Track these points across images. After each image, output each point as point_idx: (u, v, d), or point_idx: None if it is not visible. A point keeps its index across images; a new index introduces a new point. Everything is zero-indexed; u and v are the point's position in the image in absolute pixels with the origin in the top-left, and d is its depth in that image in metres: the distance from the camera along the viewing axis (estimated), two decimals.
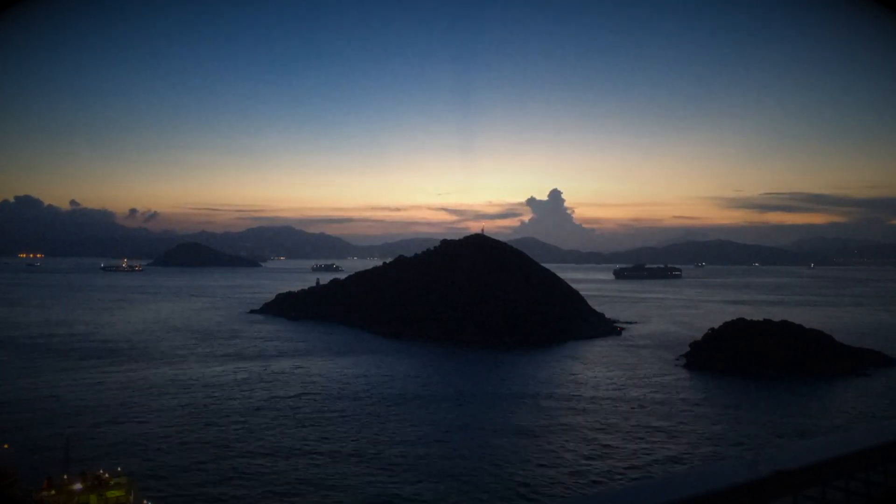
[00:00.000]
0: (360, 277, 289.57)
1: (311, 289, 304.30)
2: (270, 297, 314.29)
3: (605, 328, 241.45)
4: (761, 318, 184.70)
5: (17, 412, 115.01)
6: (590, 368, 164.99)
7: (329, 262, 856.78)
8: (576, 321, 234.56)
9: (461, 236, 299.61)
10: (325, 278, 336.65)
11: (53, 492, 69.90)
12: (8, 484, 72.66)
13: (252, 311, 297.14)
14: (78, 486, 70.53)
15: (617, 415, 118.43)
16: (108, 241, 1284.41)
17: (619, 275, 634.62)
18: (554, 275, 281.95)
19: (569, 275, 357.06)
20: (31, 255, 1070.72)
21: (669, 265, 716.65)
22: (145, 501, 73.01)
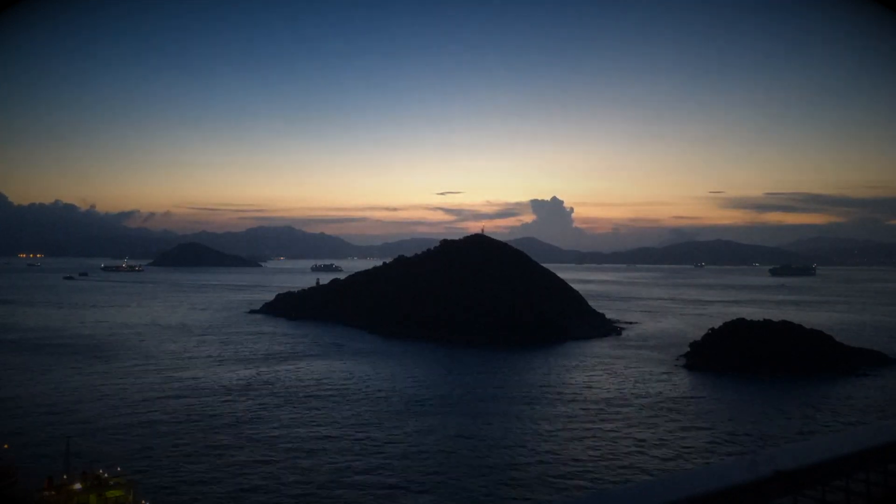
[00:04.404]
0: (360, 277, 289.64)
1: (311, 289, 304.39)
2: (270, 297, 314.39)
3: (605, 328, 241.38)
4: (761, 318, 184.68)
5: (17, 412, 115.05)
6: (589, 368, 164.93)
7: (329, 262, 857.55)
8: (576, 321, 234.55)
9: (460, 236, 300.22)
10: (325, 278, 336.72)
11: (53, 491, 69.85)
12: (8, 484, 72.66)
13: (252, 312, 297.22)
14: (78, 486, 70.45)
15: (616, 415, 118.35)
16: (109, 242, 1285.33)
17: (774, 273, 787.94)
18: (554, 275, 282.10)
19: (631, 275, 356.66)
20: (32, 256, 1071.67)
21: (808, 265, 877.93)
22: (144, 502, 72.97)
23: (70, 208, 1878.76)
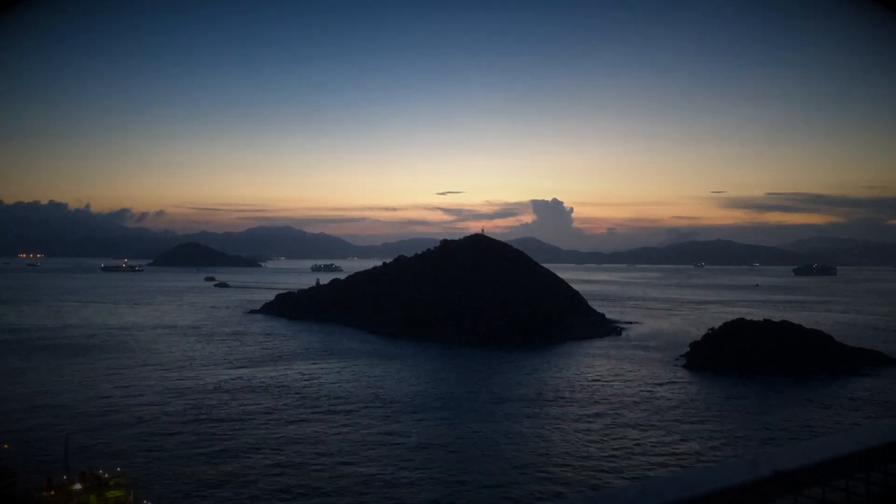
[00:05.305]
0: (360, 277, 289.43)
1: (311, 289, 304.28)
2: (270, 297, 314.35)
3: (605, 328, 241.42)
4: (761, 319, 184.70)
5: (16, 412, 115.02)
6: (589, 369, 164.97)
7: (329, 262, 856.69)
8: (576, 321, 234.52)
9: (459, 236, 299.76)
10: (325, 278, 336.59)
11: (53, 492, 69.83)
12: (8, 484, 72.64)
13: (252, 312, 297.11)
14: (78, 486, 70.45)
15: (616, 415, 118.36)
16: (109, 242, 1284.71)
17: (798, 272, 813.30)
18: (554, 275, 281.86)
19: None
20: (32, 256, 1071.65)
21: (830, 265, 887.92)
22: (145, 501, 72.97)
23: (62, 207, 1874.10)
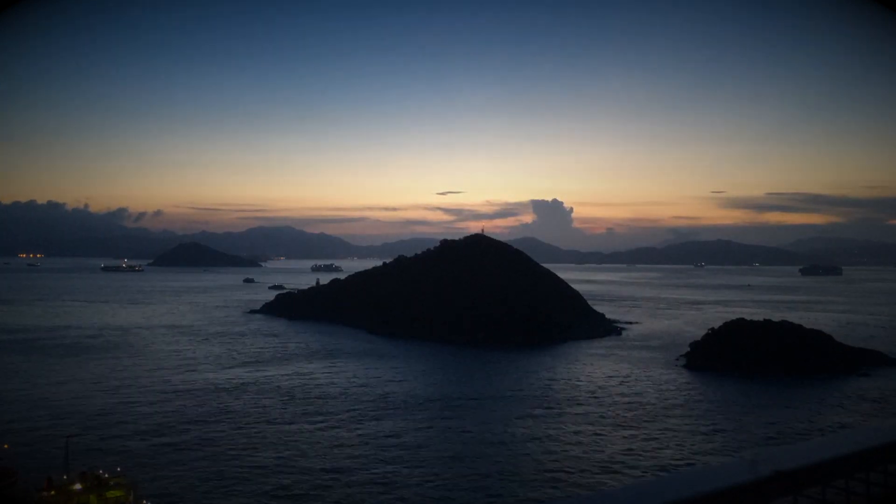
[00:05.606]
0: (360, 277, 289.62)
1: (311, 289, 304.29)
2: (270, 297, 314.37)
3: (606, 328, 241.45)
4: (761, 319, 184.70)
5: (17, 412, 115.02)
6: (589, 369, 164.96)
7: (329, 262, 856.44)
8: (576, 321, 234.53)
9: (459, 236, 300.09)
10: (325, 278, 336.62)
11: (53, 492, 69.85)
12: (8, 484, 72.64)
13: (252, 312, 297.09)
14: (78, 486, 70.49)
15: (616, 415, 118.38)
16: (109, 242, 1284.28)
17: (804, 272, 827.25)
18: (554, 275, 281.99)
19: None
20: (32, 255, 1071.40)
21: (836, 265, 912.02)
22: (145, 501, 72.98)
23: (61, 207, 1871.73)
